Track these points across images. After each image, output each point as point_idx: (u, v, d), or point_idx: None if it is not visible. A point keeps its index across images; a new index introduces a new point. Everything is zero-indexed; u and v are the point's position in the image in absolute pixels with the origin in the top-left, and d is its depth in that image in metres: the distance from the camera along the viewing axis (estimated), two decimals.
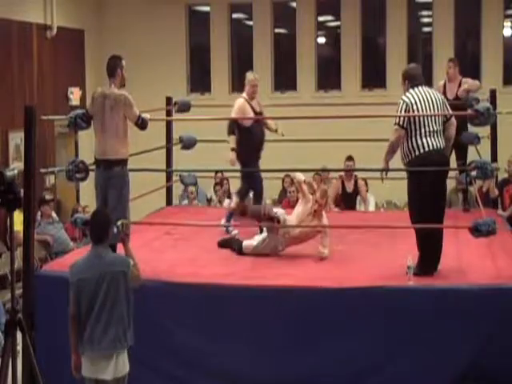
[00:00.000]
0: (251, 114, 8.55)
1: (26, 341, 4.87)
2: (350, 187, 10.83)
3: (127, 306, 5.51)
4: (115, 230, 5.84)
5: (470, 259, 7.31)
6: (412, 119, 6.70)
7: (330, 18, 14.99)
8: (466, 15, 14.04)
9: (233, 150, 8.51)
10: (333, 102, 11.83)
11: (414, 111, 6.71)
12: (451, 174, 10.15)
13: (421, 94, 6.80)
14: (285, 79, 14.68)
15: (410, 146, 6.70)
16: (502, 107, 9.00)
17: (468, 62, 14.07)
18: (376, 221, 9.32)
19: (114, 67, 6.83)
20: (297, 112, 11.19)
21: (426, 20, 14.65)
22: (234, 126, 8.53)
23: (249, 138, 8.53)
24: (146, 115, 7.08)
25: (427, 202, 6.68)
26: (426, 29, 14.65)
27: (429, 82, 13.47)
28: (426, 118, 6.71)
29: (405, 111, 6.73)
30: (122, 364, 5.51)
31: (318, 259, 7.41)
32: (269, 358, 6.55)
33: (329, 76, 14.86)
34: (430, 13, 14.21)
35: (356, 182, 10.79)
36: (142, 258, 7.56)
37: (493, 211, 9.33)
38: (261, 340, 6.59)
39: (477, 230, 6.75)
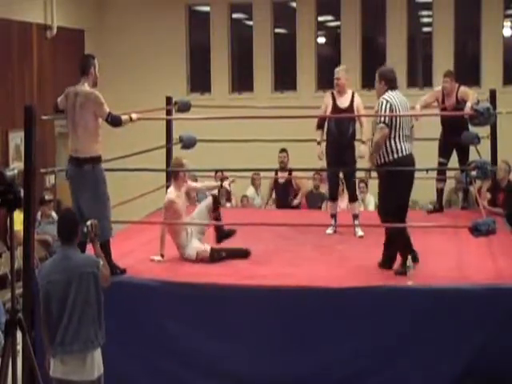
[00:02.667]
0: (329, 108, 8.37)
1: (26, 341, 4.87)
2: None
3: (98, 307, 5.44)
4: (85, 229, 5.73)
5: (469, 259, 7.32)
6: (394, 121, 6.84)
7: (329, 17, 14.99)
8: (465, 15, 14.03)
9: (318, 143, 8.42)
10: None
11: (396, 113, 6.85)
12: (451, 173, 10.20)
13: (398, 98, 6.95)
14: (285, 79, 14.68)
15: (389, 149, 6.85)
16: (501, 107, 9.01)
17: (468, 62, 14.08)
18: (376, 221, 9.30)
19: (86, 65, 6.86)
20: (296, 112, 11.18)
21: (425, 20, 14.64)
22: (323, 121, 8.43)
23: (326, 135, 8.44)
24: (134, 115, 7.04)
25: (401, 202, 6.91)
26: (426, 29, 14.64)
27: (429, 82, 13.58)
28: (403, 123, 6.88)
29: (390, 111, 6.85)
30: (96, 365, 5.42)
31: (318, 259, 7.42)
32: (268, 358, 6.54)
33: (329, 76, 14.83)
34: (430, 13, 14.21)
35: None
36: (142, 258, 7.59)
37: (491, 209, 9.34)
38: (260, 340, 6.58)
39: (476, 230, 6.75)
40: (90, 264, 5.48)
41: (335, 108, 8.37)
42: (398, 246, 6.97)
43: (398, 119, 6.83)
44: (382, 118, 6.82)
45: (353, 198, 8.71)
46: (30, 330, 5.88)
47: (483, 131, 9.07)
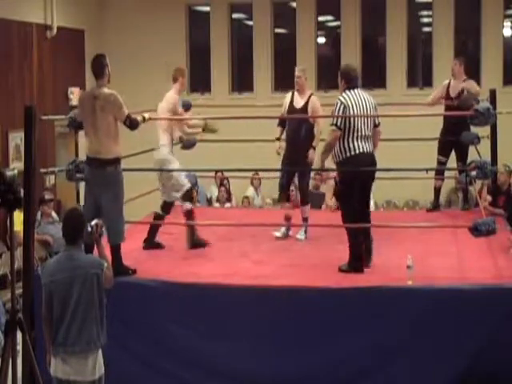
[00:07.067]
0: (286, 107, 8.40)
1: (26, 341, 4.88)
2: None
3: (100, 308, 5.45)
4: (89, 229, 5.72)
5: (470, 259, 7.32)
6: (347, 122, 6.84)
7: (329, 17, 14.98)
8: (465, 15, 14.02)
9: (277, 139, 8.48)
10: (333, 102, 11.83)
11: (350, 114, 6.84)
12: (451, 173, 10.20)
13: (357, 97, 6.94)
14: (285, 79, 14.66)
15: (342, 148, 6.88)
16: (501, 107, 9.00)
17: (468, 62, 14.05)
18: (375, 221, 9.31)
19: (101, 67, 6.79)
20: None
21: (426, 20, 14.63)
22: (283, 120, 8.49)
23: (285, 135, 8.46)
24: (147, 115, 7.08)
25: (358, 200, 6.91)
26: (426, 29, 14.63)
27: (429, 82, 13.58)
28: (359, 123, 6.87)
29: (342, 113, 6.86)
30: (97, 365, 5.43)
31: (318, 259, 7.42)
32: (269, 358, 6.55)
33: (329, 76, 14.84)
34: (430, 13, 14.20)
35: None
36: (142, 258, 7.60)
37: (492, 210, 9.34)
38: (261, 340, 6.59)
39: (476, 230, 6.76)
40: (94, 265, 5.49)
41: (291, 107, 8.37)
42: (350, 245, 7.05)
43: (352, 120, 6.83)
44: (335, 120, 6.85)
45: (303, 201, 8.54)
46: (29, 330, 5.88)
47: (483, 131, 9.07)
